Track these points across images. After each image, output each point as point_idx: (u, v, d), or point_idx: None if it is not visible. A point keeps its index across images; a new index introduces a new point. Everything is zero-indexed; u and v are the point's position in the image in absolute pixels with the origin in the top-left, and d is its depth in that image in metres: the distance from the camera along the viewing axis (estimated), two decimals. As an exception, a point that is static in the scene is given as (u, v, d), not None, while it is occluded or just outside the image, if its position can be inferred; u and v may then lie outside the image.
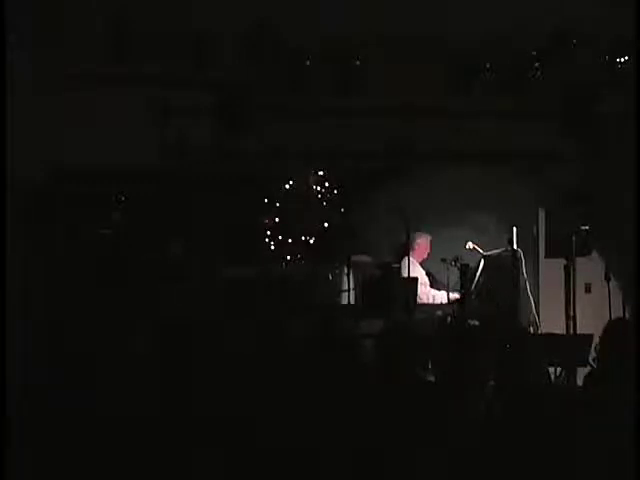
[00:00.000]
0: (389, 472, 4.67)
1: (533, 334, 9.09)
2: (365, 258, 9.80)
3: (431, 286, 9.92)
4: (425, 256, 9.98)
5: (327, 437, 4.80)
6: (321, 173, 10.28)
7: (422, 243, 9.94)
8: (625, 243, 9.07)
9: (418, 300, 9.53)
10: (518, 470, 4.60)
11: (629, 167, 9.04)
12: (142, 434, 5.00)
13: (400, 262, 9.73)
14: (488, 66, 9.47)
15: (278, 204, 10.16)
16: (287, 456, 4.79)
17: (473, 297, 9.50)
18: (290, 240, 10.12)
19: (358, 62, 9.46)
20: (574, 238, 9.00)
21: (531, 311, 9.54)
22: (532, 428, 4.71)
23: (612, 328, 5.52)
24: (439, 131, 9.95)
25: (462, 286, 9.36)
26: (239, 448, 4.86)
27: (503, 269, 9.40)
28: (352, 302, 9.30)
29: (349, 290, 9.21)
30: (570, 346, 8.00)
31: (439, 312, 9.46)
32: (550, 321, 9.29)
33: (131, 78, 9.49)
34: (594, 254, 9.47)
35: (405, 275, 9.45)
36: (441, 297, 9.67)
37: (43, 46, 8.94)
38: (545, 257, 9.81)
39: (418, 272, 9.72)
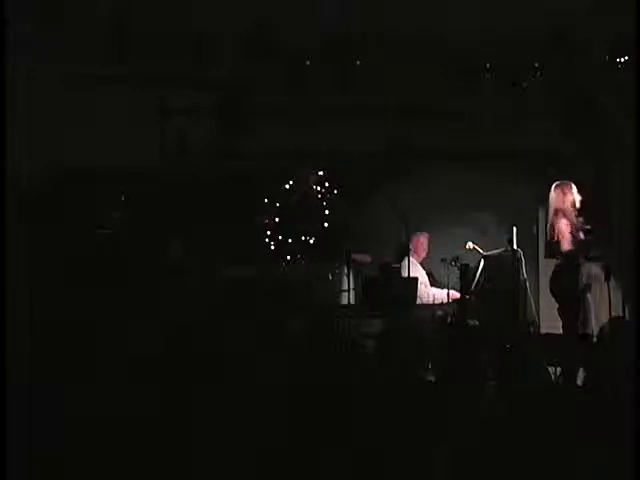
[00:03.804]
0: (389, 471, 4.67)
1: (533, 334, 9.08)
2: (366, 257, 9.80)
3: (431, 286, 9.92)
4: (424, 255, 9.98)
5: (327, 437, 4.80)
6: (321, 173, 10.28)
7: (421, 242, 9.94)
8: (625, 243, 9.06)
9: (419, 300, 9.53)
10: (518, 469, 4.60)
11: (629, 167, 9.03)
12: (142, 434, 5.00)
13: (400, 262, 9.72)
14: (488, 66, 9.47)
15: (278, 204, 10.16)
16: (287, 456, 4.79)
17: (473, 297, 9.50)
18: (290, 240, 10.12)
19: (358, 62, 9.46)
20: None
21: (531, 311, 9.52)
22: (532, 428, 4.71)
23: (611, 328, 5.53)
24: (439, 131, 9.95)
25: (462, 286, 9.36)
26: (239, 448, 4.86)
27: (503, 269, 9.38)
28: (352, 302, 9.29)
29: (349, 290, 9.20)
30: (570, 346, 8.00)
31: (439, 312, 9.45)
32: (550, 321, 9.28)
33: (131, 78, 9.50)
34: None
35: (405, 275, 9.44)
36: (442, 295, 9.67)
37: (43, 46, 8.94)
38: (545, 257, 9.80)
39: (418, 272, 9.71)
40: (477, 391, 5.10)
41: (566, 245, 8.60)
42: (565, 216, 8.63)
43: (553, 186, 8.71)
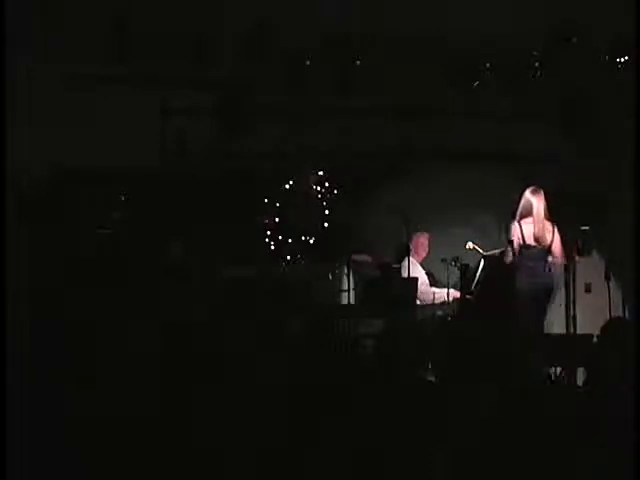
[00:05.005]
0: (389, 471, 4.67)
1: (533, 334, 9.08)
2: (365, 257, 9.80)
3: (431, 286, 9.93)
4: (425, 255, 9.98)
5: (327, 437, 4.80)
6: (321, 173, 10.28)
7: (421, 242, 9.95)
8: (625, 243, 9.07)
9: (419, 300, 9.54)
10: (518, 470, 4.60)
11: (629, 167, 9.04)
12: (143, 434, 5.01)
13: (400, 262, 9.73)
14: (488, 66, 9.48)
15: (278, 204, 10.16)
16: (286, 456, 4.79)
17: (473, 297, 9.50)
18: (290, 240, 10.12)
19: (358, 62, 9.47)
20: (575, 238, 9.04)
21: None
22: (532, 428, 4.71)
23: (611, 328, 5.52)
24: (439, 131, 9.96)
25: (462, 286, 9.37)
26: (239, 448, 4.86)
27: (503, 269, 9.40)
28: (352, 302, 9.30)
29: (349, 290, 9.21)
30: (570, 346, 8.02)
31: (439, 312, 9.46)
32: (550, 321, 9.29)
33: (131, 78, 9.50)
34: (594, 254, 9.48)
35: (405, 275, 9.45)
36: (442, 295, 9.68)
37: (43, 46, 8.94)
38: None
39: (418, 272, 9.72)
40: (477, 391, 5.10)
41: (558, 248, 8.88)
42: (550, 221, 8.87)
43: (531, 192, 8.86)
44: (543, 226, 8.88)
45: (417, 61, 9.48)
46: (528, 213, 8.91)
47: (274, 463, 4.77)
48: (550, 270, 8.93)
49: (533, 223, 8.88)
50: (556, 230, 8.91)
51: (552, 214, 9.02)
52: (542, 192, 8.90)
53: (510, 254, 8.90)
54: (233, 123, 9.67)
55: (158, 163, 9.65)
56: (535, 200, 8.89)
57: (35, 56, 8.92)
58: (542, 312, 8.93)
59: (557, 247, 8.90)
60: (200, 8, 9.14)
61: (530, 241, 8.87)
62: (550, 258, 8.96)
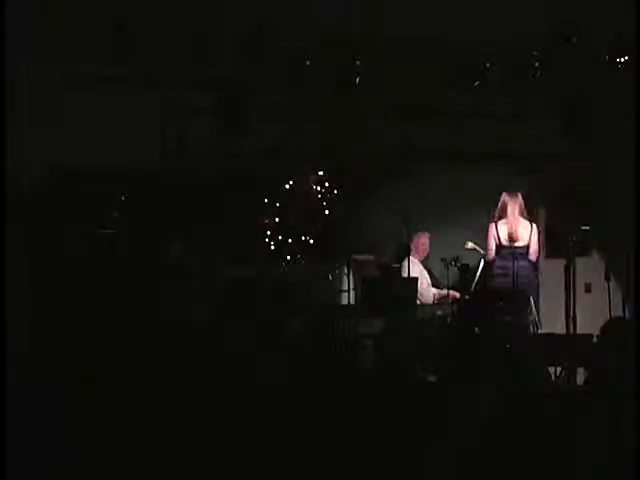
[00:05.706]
0: (389, 471, 4.67)
1: (533, 334, 9.10)
2: (367, 256, 9.81)
3: (431, 286, 9.94)
4: (425, 255, 9.99)
5: (327, 437, 4.81)
6: (321, 173, 10.29)
7: (422, 242, 9.96)
8: (625, 243, 9.07)
9: (419, 299, 9.54)
10: (518, 469, 4.60)
11: (629, 167, 9.04)
12: (143, 435, 5.01)
13: (400, 262, 9.73)
14: (488, 66, 9.48)
15: (278, 204, 10.16)
16: (286, 456, 4.80)
17: (473, 297, 9.50)
18: (290, 240, 10.12)
19: (358, 62, 9.46)
20: (574, 238, 9.10)
21: (531, 311, 9.55)
22: (532, 428, 4.71)
23: (611, 328, 5.53)
24: (439, 131, 9.96)
25: (462, 286, 9.38)
26: (239, 448, 4.87)
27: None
28: (352, 302, 9.30)
29: (349, 290, 9.21)
30: (570, 346, 8.03)
31: (439, 312, 9.47)
32: (550, 321, 9.31)
33: (131, 78, 9.49)
34: (594, 254, 9.49)
35: (405, 275, 9.45)
36: (442, 295, 9.69)
37: (43, 46, 8.94)
38: (545, 257, 9.83)
39: (419, 271, 9.72)
40: (477, 391, 5.11)
41: (534, 247, 9.14)
42: (529, 221, 9.17)
43: (507, 195, 9.22)
44: (517, 226, 9.11)
45: (417, 61, 9.47)
46: (504, 214, 9.18)
47: (274, 462, 4.77)
48: (527, 268, 9.12)
49: (507, 223, 9.08)
50: (534, 229, 9.16)
51: (553, 214, 9.11)
52: (518, 194, 9.22)
53: (488, 254, 9.21)
54: (233, 123, 9.66)
55: (158, 163, 9.66)
56: (510, 201, 9.18)
57: (35, 56, 8.92)
58: (523, 310, 9.05)
59: (534, 246, 9.16)
60: (200, 8, 9.14)
61: (505, 241, 9.10)
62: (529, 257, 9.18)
